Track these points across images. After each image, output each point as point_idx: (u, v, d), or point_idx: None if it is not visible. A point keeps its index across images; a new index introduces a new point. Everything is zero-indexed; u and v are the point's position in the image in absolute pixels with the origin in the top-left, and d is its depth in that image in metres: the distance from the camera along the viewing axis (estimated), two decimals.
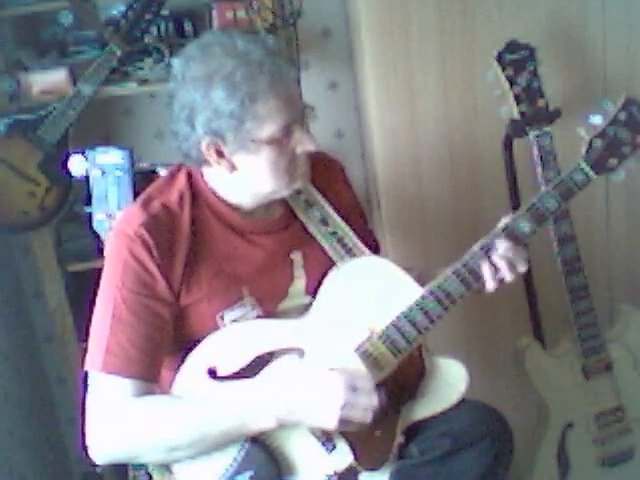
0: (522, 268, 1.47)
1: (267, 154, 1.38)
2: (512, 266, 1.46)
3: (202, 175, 1.48)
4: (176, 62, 1.39)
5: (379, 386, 1.39)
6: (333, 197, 1.58)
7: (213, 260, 1.45)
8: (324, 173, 1.60)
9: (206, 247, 1.45)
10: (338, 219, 1.56)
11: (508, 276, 1.46)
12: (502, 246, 1.46)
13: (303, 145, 1.41)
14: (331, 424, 1.36)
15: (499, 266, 1.46)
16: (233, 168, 1.41)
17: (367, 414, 1.36)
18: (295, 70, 1.41)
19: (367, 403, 1.36)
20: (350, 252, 1.54)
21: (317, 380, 1.38)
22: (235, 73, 1.32)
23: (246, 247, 1.48)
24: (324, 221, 1.55)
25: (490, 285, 1.47)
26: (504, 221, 1.50)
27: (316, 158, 1.47)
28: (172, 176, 1.50)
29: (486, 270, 1.46)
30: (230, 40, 1.36)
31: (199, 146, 1.38)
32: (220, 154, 1.39)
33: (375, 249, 1.67)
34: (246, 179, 1.42)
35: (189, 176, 1.49)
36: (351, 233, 1.56)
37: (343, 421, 1.36)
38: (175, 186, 1.47)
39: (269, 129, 1.36)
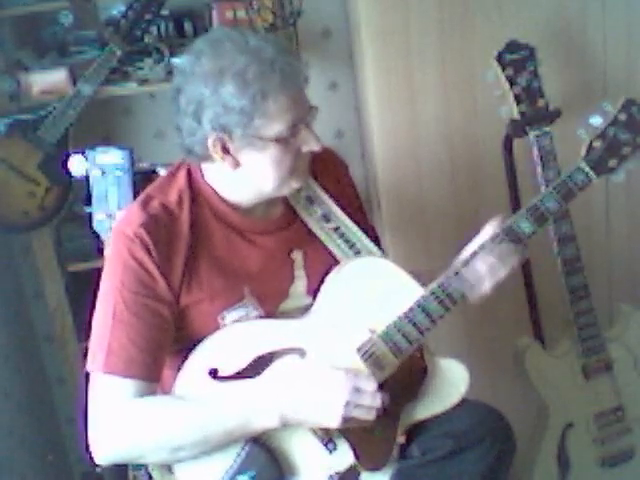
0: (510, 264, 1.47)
1: (273, 152, 1.38)
2: (501, 263, 1.46)
3: (202, 174, 1.48)
4: (185, 57, 1.39)
5: (381, 386, 1.39)
6: (335, 193, 1.58)
7: (213, 260, 1.45)
8: (327, 168, 1.60)
9: (206, 247, 1.45)
10: (341, 214, 1.55)
11: (502, 271, 1.46)
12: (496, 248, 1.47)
13: (308, 144, 1.41)
14: (334, 423, 1.36)
15: (489, 263, 1.46)
16: (237, 165, 1.41)
17: (370, 414, 1.36)
18: (306, 69, 1.40)
19: (370, 403, 1.35)
20: (353, 247, 1.54)
21: (320, 378, 1.37)
22: (247, 70, 1.32)
23: (246, 247, 1.48)
24: (326, 217, 1.55)
25: (487, 283, 1.46)
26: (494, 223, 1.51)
27: (319, 153, 1.47)
28: (172, 175, 1.50)
29: (481, 266, 1.46)
30: (242, 37, 1.36)
31: (205, 141, 1.38)
32: (226, 150, 1.39)
33: (377, 245, 1.65)
34: (249, 176, 1.42)
35: (189, 175, 1.48)
36: (355, 228, 1.55)
37: (346, 420, 1.36)
38: (175, 185, 1.47)
39: (277, 127, 1.36)
